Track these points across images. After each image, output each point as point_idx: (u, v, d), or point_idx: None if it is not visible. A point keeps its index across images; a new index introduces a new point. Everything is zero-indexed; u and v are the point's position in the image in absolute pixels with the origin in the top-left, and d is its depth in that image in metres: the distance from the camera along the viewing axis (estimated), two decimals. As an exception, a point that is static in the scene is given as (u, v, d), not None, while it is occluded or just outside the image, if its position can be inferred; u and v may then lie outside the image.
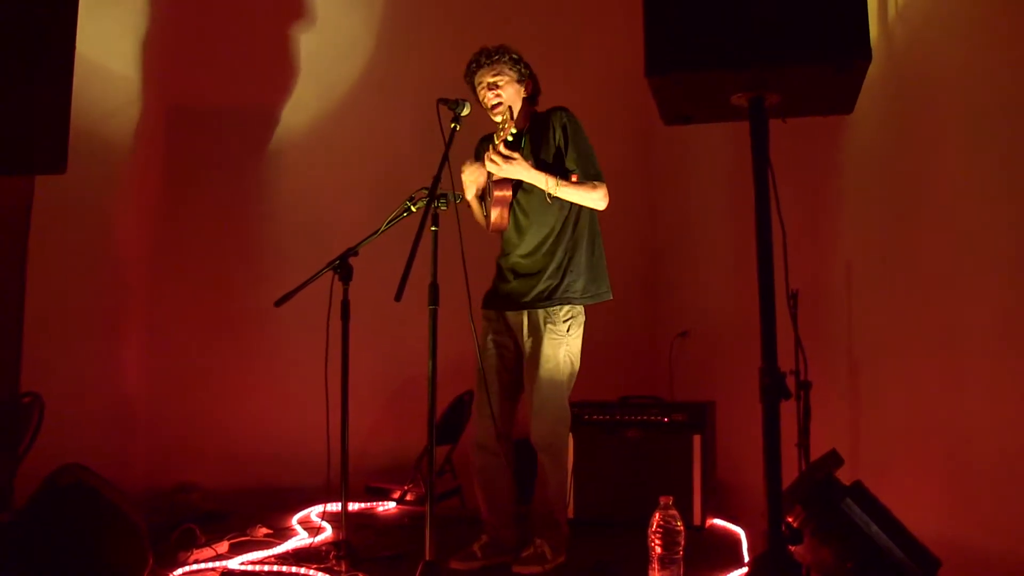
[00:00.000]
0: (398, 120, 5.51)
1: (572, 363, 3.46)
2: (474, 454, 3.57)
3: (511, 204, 3.51)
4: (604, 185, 3.43)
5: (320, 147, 5.69)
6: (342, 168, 5.67)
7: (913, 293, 3.28)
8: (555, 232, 3.47)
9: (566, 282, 3.45)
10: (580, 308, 3.49)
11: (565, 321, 3.43)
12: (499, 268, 3.65)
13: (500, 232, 3.59)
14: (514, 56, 3.53)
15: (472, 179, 3.53)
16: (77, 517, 2.84)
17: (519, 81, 3.54)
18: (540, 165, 3.43)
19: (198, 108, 5.52)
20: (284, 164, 5.66)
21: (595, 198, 3.43)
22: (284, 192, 5.64)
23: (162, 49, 5.40)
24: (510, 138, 3.36)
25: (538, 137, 3.52)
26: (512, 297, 3.52)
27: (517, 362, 3.55)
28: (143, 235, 5.39)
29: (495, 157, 3.36)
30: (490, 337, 3.57)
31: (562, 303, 3.43)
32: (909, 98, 3.35)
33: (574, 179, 3.39)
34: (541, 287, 3.45)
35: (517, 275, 3.53)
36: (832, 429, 3.54)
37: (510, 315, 3.54)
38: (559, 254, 3.46)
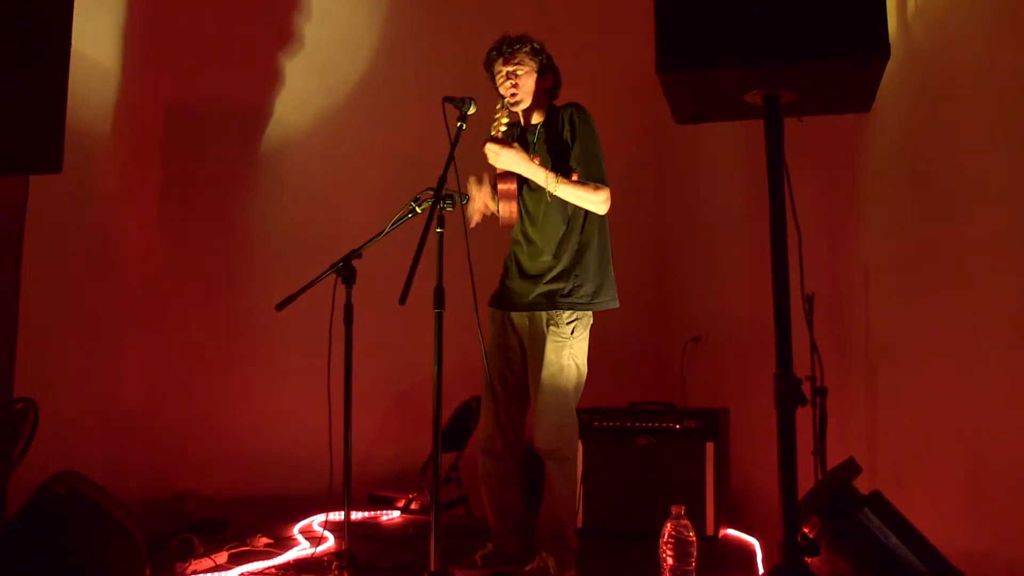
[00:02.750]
0: (403, 119, 5.49)
1: (578, 368, 3.41)
2: (481, 460, 3.55)
3: (519, 199, 3.49)
4: (607, 189, 3.37)
5: (323, 147, 5.70)
6: (345, 168, 5.67)
7: (933, 297, 3.26)
8: (561, 232, 3.43)
9: (572, 285, 3.39)
10: (587, 312, 3.45)
11: (569, 323, 3.38)
12: (505, 266, 3.63)
13: (510, 227, 3.55)
14: (535, 46, 3.50)
15: (479, 203, 3.53)
16: (71, 527, 2.84)
17: (539, 72, 3.51)
18: (551, 161, 3.41)
19: (197, 106, 5.52)
20: (286, 164, 5.66)
21: (595, 200, 3.36)
22: (286, 193, 5.64)
23: (160, 45, 5.41)
24: (503, 128, 3.34)
25: (551, 132, 3.50)
26: (515, 297, 3.51)
27: (523, 365, 3.52)
28: (141, 236, 5.39)
29: (492, 146, 3.33)
30: (496, 339, 3.55)
31: (566, 308, 3.38)
32: (929, 95, 3.34)
33: (575, 178, 3.35)
34: (543, 289, 3.42)
35: (522, 274, 3.52)
36: (849, 437, 3.53)
37: (515, 316, 3.52)
38: (565, 257, 3.42)
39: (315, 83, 5.76)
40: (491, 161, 3.38)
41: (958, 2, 3.18)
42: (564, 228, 3.44)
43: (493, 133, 3.36)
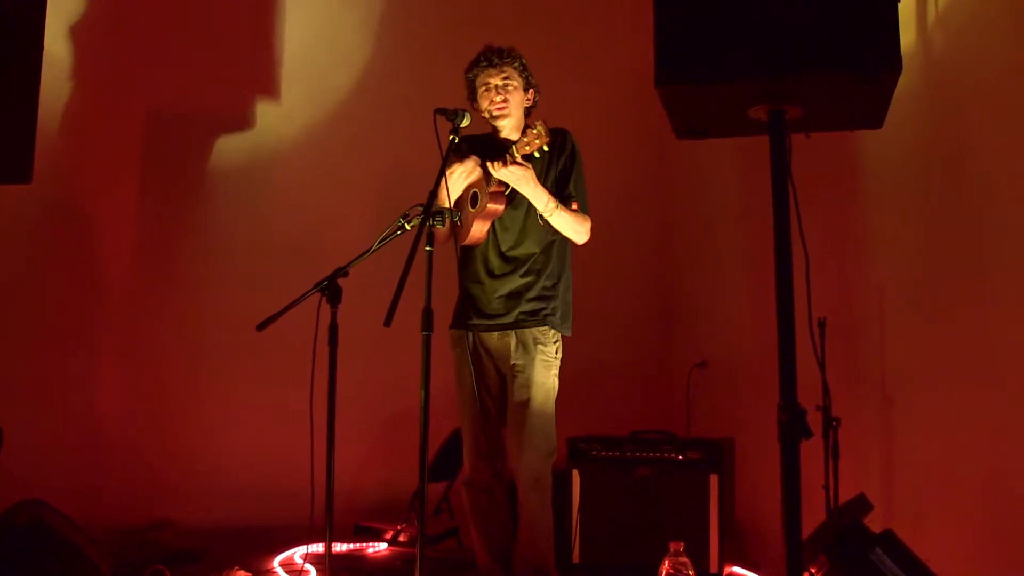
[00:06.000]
0: (394, 132, 5.49)
1: (556, 389, 3.46)
2: (466, 494, 3.54)
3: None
4: (590, 221, 3.47)
5: (310, 160, 5.70)
6: (333, 183, 5.66)
7: (953, 321, 3.24)
8: (541, 255, 3.48)
9: (552, 306, 3.46)
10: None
11: (555, 343, 3.44)
12: (469, 289, 3.57)
13: (472, 247, 3.54)
14: (524, 62, 3.55)
15: (463, 180, 3.44)
16: (31, 559, 2.81)
17: (524, 90, 3.54)
18: (544, 185, 3.40)
19: (179, 115, 5.53)
20: (272, 177, 5.66)
21: (582, 231, 3.45)
22: (271, 207, 5.63)
23: (140, 50, 5.42)
24: (537, 155, 3.27)
25: (554, 157, 3.48)
26: (492, 317, 3.48)
27: (501, 389, 3.52)
28: (118, 252, 5.39)
29: (518, 169, 3.27)
30: (468, 365, 3.50)
31: (551, 326, 3.44)
32: (947, 109, 3.32)
33: (574, 207, 3.40)
34: (527, 307, 3.44)
35: (496, 295, 3.49)
36: (863, 470, 3.50)
37: (488, 338, 3.50)
38: (543, 279, 3.47)
39: (303, 93, 5.76)
40: (510, 180, 3.31)
41: (982, 10, 3.17)
42: (544, 249, 3.49)
43: (524, 151, 3.25)
